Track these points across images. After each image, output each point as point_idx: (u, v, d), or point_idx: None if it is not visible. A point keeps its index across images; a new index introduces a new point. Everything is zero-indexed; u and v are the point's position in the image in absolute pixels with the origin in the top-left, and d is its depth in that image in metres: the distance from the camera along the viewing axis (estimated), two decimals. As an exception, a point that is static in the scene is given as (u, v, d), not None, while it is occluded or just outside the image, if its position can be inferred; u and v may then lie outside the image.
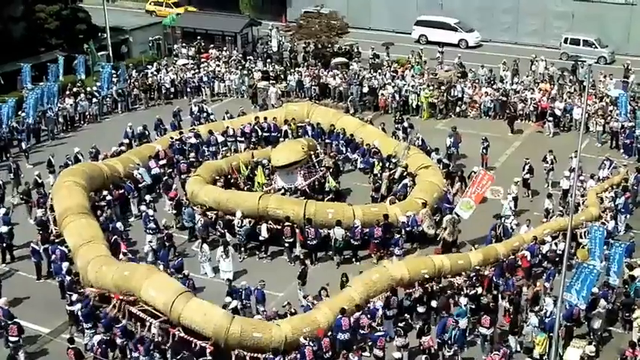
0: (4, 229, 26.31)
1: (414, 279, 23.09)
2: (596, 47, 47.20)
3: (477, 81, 41.61)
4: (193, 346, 20.73)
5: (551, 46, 49.94)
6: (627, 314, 22.49)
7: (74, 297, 22.49)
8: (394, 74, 42.24)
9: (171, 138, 33.34)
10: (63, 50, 45.59)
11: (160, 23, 53.17)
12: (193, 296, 21.91)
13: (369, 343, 21.14)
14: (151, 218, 26.83)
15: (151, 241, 26.37)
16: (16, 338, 21.42)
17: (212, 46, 49.05)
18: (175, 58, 47.76)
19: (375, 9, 56.00)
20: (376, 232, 26.09)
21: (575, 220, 24.62)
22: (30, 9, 45.43)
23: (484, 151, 32.65)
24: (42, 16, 45.61)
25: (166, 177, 30.48)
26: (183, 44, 49.20)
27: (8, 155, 34.20)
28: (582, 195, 28.61)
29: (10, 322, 21.49)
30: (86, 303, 22.17)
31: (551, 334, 20.36)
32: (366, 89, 40.44)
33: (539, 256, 25.10)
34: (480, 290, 22.97)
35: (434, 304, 22.61)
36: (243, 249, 26.88)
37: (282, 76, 43.58)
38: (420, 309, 22.58)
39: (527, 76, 41.78)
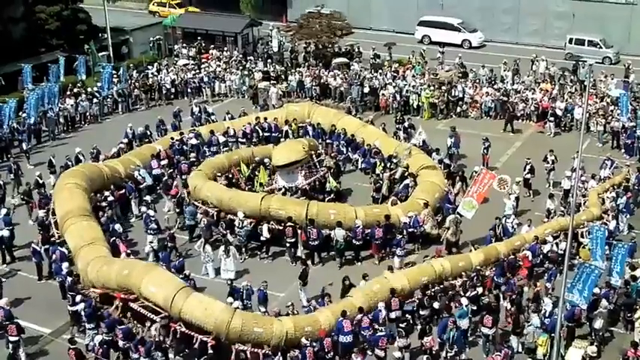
0: (6, 232, 26.32)
1: (415, 288, 22.95)
2: (601, 47, 47.13)
3: (477, 81, 41.60)
4: (195, 341, 20.72)
5: (552, 46, 49.93)
6: (629, 314, 22.47)
7: (78, 297, 22.49)
8: (395, 74, 42.24)
9: (172, 138, 33.32)
10: (63, 51, 45.56)
11: (161, 23, 53.15)
12: (193, 291, 21.93)
13: (372, 344, 21.08)
14: (152, 219, 26.83)
15: (151, 242, 26.37)
16: (16, 338, 21.39)
17: (212, 46, 49.04)
18: (176, 59, 47.74)
19: (375, 9, 55.98)
20: (377, 232, 26.07)
21: (576, 220, 24.61)
22: (30, 10, 45.42)
23: (485, 151, 32.64)
24: (42, 16, 45.58)
25: (166, 177, 30.48)
26: (184, 45, 49.19)
27: (9, 156, 34.19)
28: (583, 195, 28.60)
29: (8, 322, 21.45)
30: (89, 303, 22.16)
31: (552, 335, 20.36)
32: (366, 89, 40.44)
33: (541, 256, 25.09)
34: (480, 290, 22.98)
35: (436, 305, 22.58)
36: (244, 249, 26.86)
37: (282, 76, 43.57)
38: (424, 312, 22.48)
39: (528, 76, 41.78)
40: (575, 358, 20.61)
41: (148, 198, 28.66)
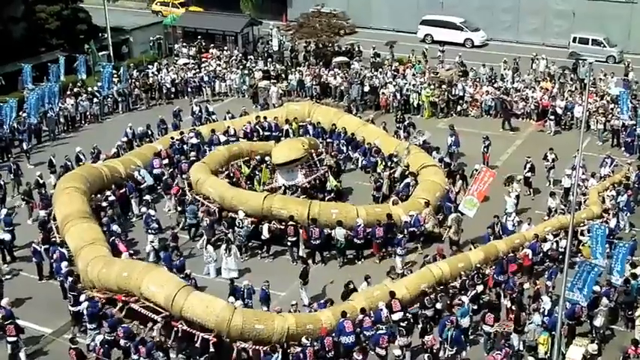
0: (7, 236, 26.36)
1: (415, 296, 22.85)
2: (605, 46, 47.13)
3: (478, 80, 41.59)
4: (196, 339, 20.76)
5: (552, 45, 49.93)
6: (629, 312, 22.49)
7: (82, 297, 22.51)
8: (395, 73, 42.24)
9: (172, 138, 33.32)
10: (64, 50, 45.56)
11: (161, 23, 53.17)
12: (194, 290, 21.99)
13: (373, 342, 21.08)
14: (153, 218, 26.85)
15: (152, 241, 26.38)
16: (14, 338, 21.39)
17: (213, 45, 49.04)
18: (176, 58, 47.78)
19: (375, 8, 55.98)
20: (378, 232, 26.08)
21: (576, 218, 24.61)
22: (30, 9, 45.39)
23: (485, 149, 32.65)
24: (42, 16, 45.57)
25: (166, 177, 30.50)
26: (184, 44, 49.18)
27: (9, 156, 34.21)
28: (583, 194, 28.61)
29: (6, 322, 21.46)
30: (95, 303, 22.20)
31: (553, 333, 20.38)
32: (367, 88, 40.44)
33: (541, 254, 25.10)
34: (480, 289, 22.98)
35: (439, 306, 22.55)
36: (244, 249, 26.86)
37: (283, 75, 43.58)
38: (426, 311, 22.44)
39: (528, 75, 41.78)
40: (576, 356, 20.61)
41: (148, 197, 28.67)
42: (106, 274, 22.92)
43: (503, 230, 26.40)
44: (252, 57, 46.54)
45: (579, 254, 25.06)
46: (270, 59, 46.14)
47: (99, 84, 41.22)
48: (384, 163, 31.13)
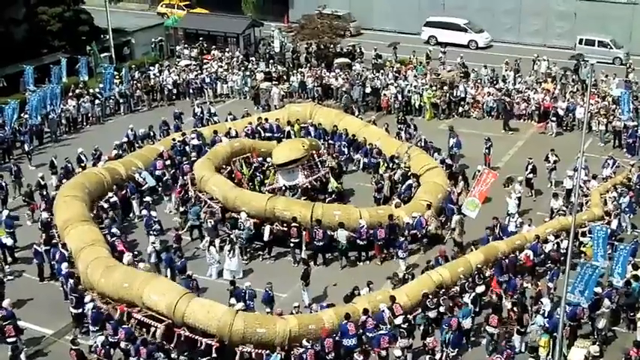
0: (10, 241, 26.39)
1: (415, 304, 22.75)
2: (611, 48, 47.00)
3: (479, 81, 41.57)
4: (199, 345, 20.74)
5: (554, 46, 49.90)
6: (631, 314, 22.46)
7: (87, 297, 22.50)
8: (397, 75, 42.23)
9: (173, 139, 33.32)
10: (65, 52, 45.57)
11: (162, 25, 53.21)
12: (195, 296, 21.98)
13: (373, 343, 21.05)
14: (155, 220, 26.84)
15: (154, 243, 26.36)
16: (14, 339, 21.39)
17: (214, 47, 49.06)
18: (178, 60, 47.79)
19: (377, 9, 55.93)
20: (379, 233, 26.05)
21: (577, 220, 24.53)
22: (32, 11, 45.47)
23: (487, 151, 32.64)
24: (44, 18, 45.63)
25: (167, 177, 30.47)
26: (186, 45, 49.20)
27: (11, 157, 34.20)
28: (585, 195, 28.58)
29: (6, 323, 21.46)
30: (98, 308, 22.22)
31: (554, 334, 20.34)
32: (368, 90, 40.43)
33: (542, 255, 25.06)
34: (480, 290, 22.93)
35: (442, 309, 22.49)
36: (244, 251, 26.79)
37: (284, 77, 43.57)
38: (429, 313, 22.43)
39: (529, 76, 41.75)
40: (577, 357, 20.59)
41: (148, 199, 28.66)
42: (105, 284, 22.88)
43: (502, 231, 26.35)
44: (253, 58, 46.53)
45: (583, 254, 25.00)
46: (271, 61, 46.13)
47: (100, 85, 41.25)
48: (385, 164, 31.10)
